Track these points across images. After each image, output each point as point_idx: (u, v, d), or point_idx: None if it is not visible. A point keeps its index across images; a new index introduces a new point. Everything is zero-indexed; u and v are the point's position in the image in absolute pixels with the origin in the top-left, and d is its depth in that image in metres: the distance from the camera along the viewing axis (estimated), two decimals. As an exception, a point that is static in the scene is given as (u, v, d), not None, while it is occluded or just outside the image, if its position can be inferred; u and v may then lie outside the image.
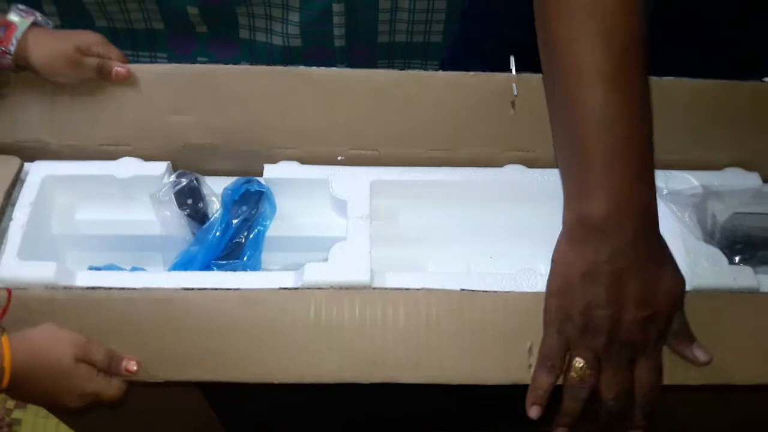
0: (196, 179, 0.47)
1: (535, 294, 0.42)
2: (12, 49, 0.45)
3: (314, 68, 0.49)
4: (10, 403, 0.58)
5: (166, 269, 0.47)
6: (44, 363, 0.37)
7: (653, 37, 0.39)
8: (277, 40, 0.98)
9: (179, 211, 0.46)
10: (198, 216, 0.47)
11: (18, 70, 0.47)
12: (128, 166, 0.47)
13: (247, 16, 0.97)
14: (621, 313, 0.37)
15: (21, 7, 0.47)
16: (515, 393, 0.40)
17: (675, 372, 0.41)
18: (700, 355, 0.40)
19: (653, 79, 0.48)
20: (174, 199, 0.46)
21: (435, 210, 0.50)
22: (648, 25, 0.38)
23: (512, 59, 0.49)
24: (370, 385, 0.40)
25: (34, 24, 0.47)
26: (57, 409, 0.44)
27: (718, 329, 0.42)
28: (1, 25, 0.46)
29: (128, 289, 0.41)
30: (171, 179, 0.47)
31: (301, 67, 0.49)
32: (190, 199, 0.46)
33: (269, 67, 0.49)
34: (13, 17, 0.46)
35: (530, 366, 0.40)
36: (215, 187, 0.49)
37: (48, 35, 0.47)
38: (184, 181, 0.47)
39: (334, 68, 0.49)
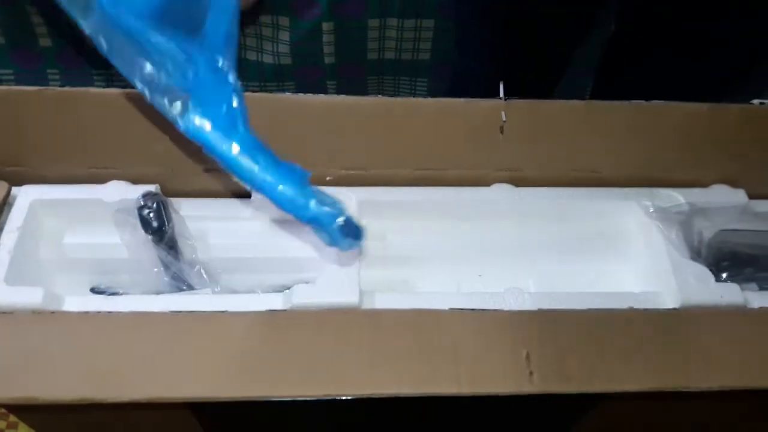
0: (162, 202, 0.47)
1: (524, 312, 0.43)
2: None
3: (302, 95, 0.49)
4: (2, 423, 0.58)
5: (158, 292, 0.47)
6: None
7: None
8: (267, 59, 0.99)
9: (144, 234, 0.46)
10: (164, 241, 0.46)
11: None
12: (116, 190, 0.47)
13: (238, 36, 0.98)
14: None
15: None
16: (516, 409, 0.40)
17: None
18: None
19: (641, 103, 0.49)
20: (139, 222, 0.46)
21: (423, 229, 0.50)
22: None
23: (501, 85, 0.49)
24: (373, 402, 0.40)
25: None
26: None
27: (706, 346, 0.42)
28: None
29: (116, 313, 0.41)
30: (137, 201, 0.46)
31: (288, 94, 0.49)
32: (155, 222, 0.46)
33: (257, 93, 0.50)
34: None
35: (531, 373, 0.40)
36: (203, 210, 0.49)
37: None
38: (148, 204, 0.46)
39: (322, 95, 0.49)
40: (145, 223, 0.46)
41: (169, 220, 0.47)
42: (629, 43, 0.71)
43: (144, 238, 0.46)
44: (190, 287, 0.47)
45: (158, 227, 0.46)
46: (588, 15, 0.68)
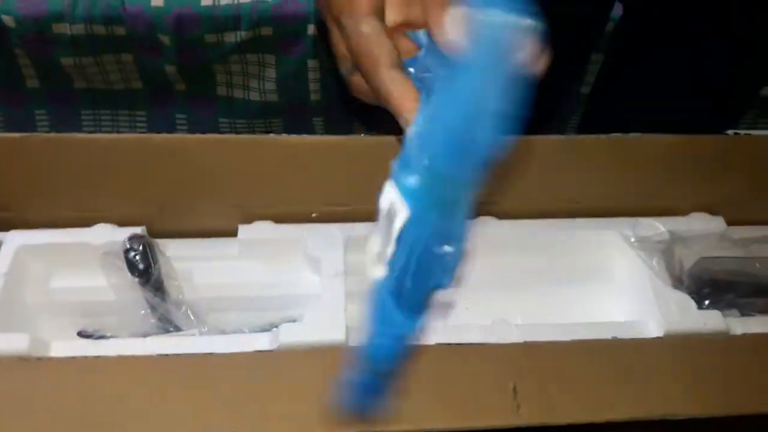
0: (148, 244, 0.47)
1: (510, 345, 0.43)
2: None
3: (285, 135, 0.50)
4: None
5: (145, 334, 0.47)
6: None
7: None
8: (254, 96, 1.00)
9: (131, 276, 0.46)
10: (150, 282, 0.46)
11: None
12: (103, 233, 0.48)
13: (225, 74, 0.99)
14: None
15: None
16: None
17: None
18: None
19: (620, 135, 0.51)
20: (125, 265, 0.46)
21: (409, 264, 0.51)
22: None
23: None
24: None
25: None
26: None
27: (690, 372, 0.43)
28: None
29: (103, 357, 0.41)
30: (123, 243, 0.47)
31: (272, 135, 0.50)
32: (141, 264, 0.46)
33: (243, 135, 0.51)
34: None
35: (518, 407, 0.41)
36: (189, 250, 0.49)
37: None
38: (134, 246, 0.46)
39: (306, 135, 0.50)
40: (132, 265, 0.46)
41: (155, 261, 0.47)
42: (619, 76, 0.72)
43: (131, 281, 0.46)
44: (177, 328, 0.47)
45: (144, 269, 0.46)
46: (578, 51, 0.70)
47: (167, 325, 0.47)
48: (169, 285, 0.48)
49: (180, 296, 0.48)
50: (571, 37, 0.68)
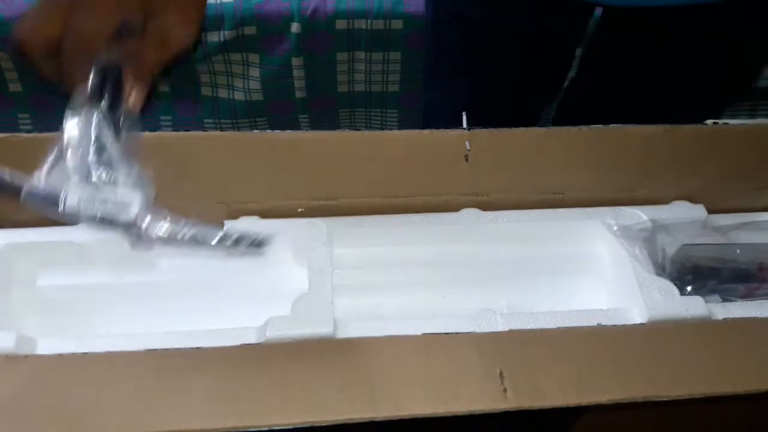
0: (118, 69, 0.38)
1: (496, 333, 0.43)
2: None
3: (269, 131, 0.50)
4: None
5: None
6: None
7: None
8: (239, 96, 1.00)
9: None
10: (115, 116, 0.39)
11: None
12: (87, 230, 0.48)
13: (209, 74, 0.99)
14: None
15: None
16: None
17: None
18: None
19: (601, 127, 0.51)
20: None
21: (395, 256, 0.51)
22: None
23: (464, 115, 0.51)
24: (351, 428, 0.40)
25: None
26: None
27: (673, 357, 0.43)
28: None
29: (90, 354, 0.41)
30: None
31: (257, 132, 0.50)
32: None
33: (228, 132, 0.51)
34: None
35: (505, 390, 0.41)
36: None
37: None
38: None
39: (290, 131, 0.50)
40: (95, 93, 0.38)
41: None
42: (587, 89, 0.74)
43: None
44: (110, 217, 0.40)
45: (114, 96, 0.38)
46: (550, 53, 0.71)
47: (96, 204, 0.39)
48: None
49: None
50: (550, 54, 0.69)
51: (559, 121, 0.81)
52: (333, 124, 1.06)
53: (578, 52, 0.85)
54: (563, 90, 0.78)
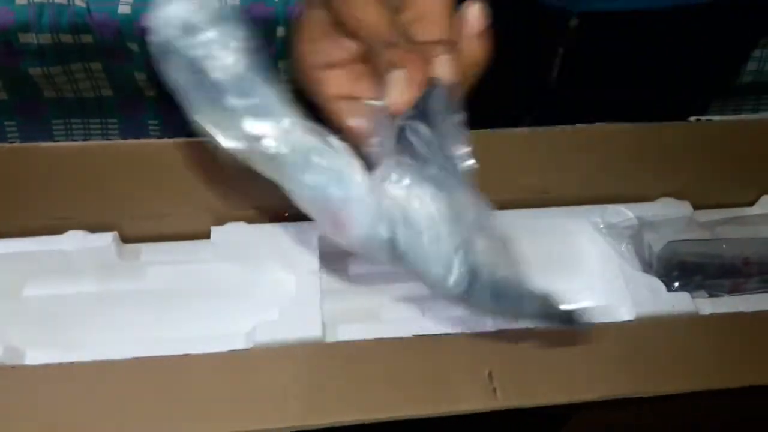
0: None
1: (484, 334, 0.44)
2: None
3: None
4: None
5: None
6: None
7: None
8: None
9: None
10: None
11: None
12: (74, 239, 0.48)
13: (195, 79, 0.99)
14: None
15: None
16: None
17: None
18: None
19: (585, 126, 0.52)
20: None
21: (384, 259, 0.51)
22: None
23: None
24: (342, 430, 0.40)
25: None
26: None
27: (661, 353, 0.44)
28: None
29: (78, 363, 0.41)
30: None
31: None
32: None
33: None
34: None
35: (495, 390, 0.41)
36: (163, 254, 0.49)
37: None
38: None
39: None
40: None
41: None
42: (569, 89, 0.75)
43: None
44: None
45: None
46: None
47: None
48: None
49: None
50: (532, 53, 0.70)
51: (542, 119, 0.81)
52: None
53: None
54: (547, 90, 0.78)
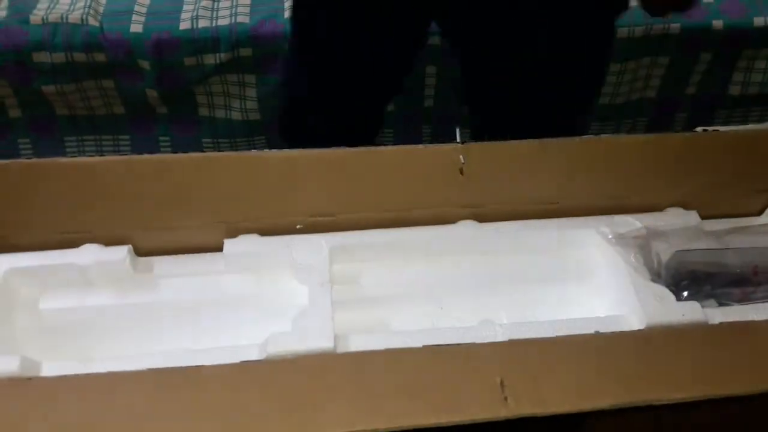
0: None
1: (496, 344, 0.44)
2: None
3: (267, 150, 0.51)
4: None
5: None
6: None
7: None
8: (236, 116, 1.01)
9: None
10: None
11: None
12: (90, 253, 0.48)
13: (206, 95, 1.00)
14: None
15: None
16: None
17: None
18: None
19: (593, 137, 0.52)
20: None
21: (394, 269, 0.52)
22: None
23: (458, 130, 0.52)
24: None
25: None
26: None
27: (672, 362, 0.44)
28: None
29: (94, 374, 0.42)
30: None
31: (254, 151, 0.51)
32: None
33: (223, 153, 0.51)
34: None
35: (506, 398, 0.41)
36: (176, 267, 0.50)
37: None
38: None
39: (287, 150, 0.51)
40: None
41: None
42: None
43: None
44: None
45: None
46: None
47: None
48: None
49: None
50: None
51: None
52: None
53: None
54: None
